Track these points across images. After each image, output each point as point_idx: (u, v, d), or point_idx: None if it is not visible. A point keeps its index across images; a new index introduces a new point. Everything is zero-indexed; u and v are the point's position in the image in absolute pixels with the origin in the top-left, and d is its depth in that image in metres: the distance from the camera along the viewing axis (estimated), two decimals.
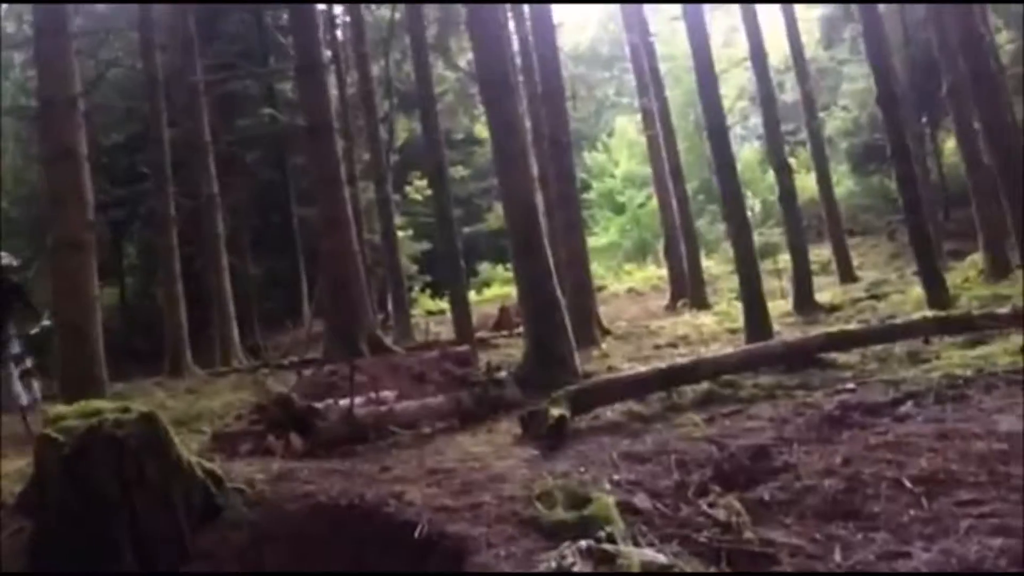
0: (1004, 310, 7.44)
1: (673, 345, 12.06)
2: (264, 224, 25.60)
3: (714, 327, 13.47)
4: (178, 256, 16.79)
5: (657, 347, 11.99)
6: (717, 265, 25.13)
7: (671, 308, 20.26)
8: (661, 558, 3.23)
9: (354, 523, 4.08)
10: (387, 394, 6.20)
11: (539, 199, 14.48)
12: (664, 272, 23.53)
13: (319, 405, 5.73)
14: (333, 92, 17.94)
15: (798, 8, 22.75)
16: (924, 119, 23.12)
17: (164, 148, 17.09)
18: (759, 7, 16.80)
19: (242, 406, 8.31)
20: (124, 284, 27.56)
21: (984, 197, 14.22)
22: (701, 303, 18.80)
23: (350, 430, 5.52)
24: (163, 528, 3.75)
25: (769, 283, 17.16)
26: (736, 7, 17.97)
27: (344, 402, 5.74)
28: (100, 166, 18.97)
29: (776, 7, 22.06)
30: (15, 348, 8.65)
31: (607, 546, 3.29)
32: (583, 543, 3.41)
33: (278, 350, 19.56)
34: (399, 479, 4.54)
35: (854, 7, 15.34)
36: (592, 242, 26.79)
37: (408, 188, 26.03)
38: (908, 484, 3.87)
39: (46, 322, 9.26)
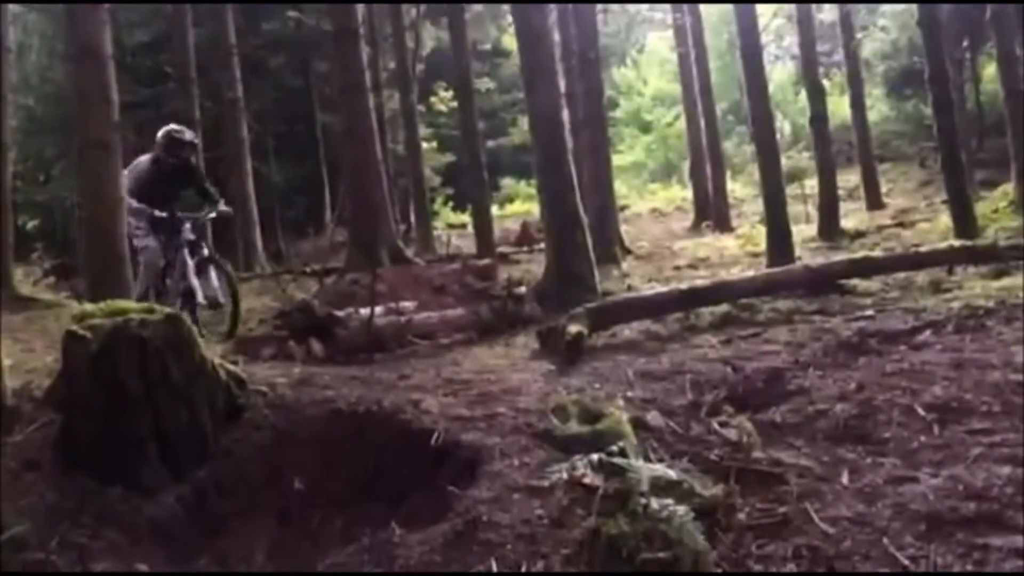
0: None
1: (693, 267, 12.05)
2: (288, 131, 25.40)
3: (736, 250, 13.42)
4: (203, 159, 16.80)
5: (677, 268, 11.99)
6: (743, 188, 24.83)
7: (694, 229, 20.15)
8: (671, 473, 3.30)
9: (371, 428, 4.17)
10: (407, 304, 6.27)
11: (565, 115, 14.33)
12: (688, 193, 23.31)
13: (340, 313, 5.81)
14: None
15: None
16: (965, 44, 22.37)
17: (188, 49, 16.92)
18: None
19: (265, 311, 8.45)
20: None
21: (1020, 126, 13.85)
22: (724, 225, 18.67)
23: (370, 338, 5.60)
24: (186, 426, 3.85)
25: (795, 208, 16.98)
26: None
27: (365, 311, 5.81)
28: (125, 66, 18.81)
29: None
30: (188, 234, 7.30)
31: (618, 460, 3.36)
32: (594, 456, 3.48)
33: (300, 257, 19.70)
34: (416, 388, 4.62)
35: None
36: (617, 161, 26.49)
37: (433, 99, 25.68)
38: (921, 411, 3.90)
39: (224, 208, 7.93)
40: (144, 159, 7.89)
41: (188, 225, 7.33)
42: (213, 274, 7.20)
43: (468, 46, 15.02)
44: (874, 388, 4.18)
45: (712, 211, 19.86)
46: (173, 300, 6.93)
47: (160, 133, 7.89)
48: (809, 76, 14.87)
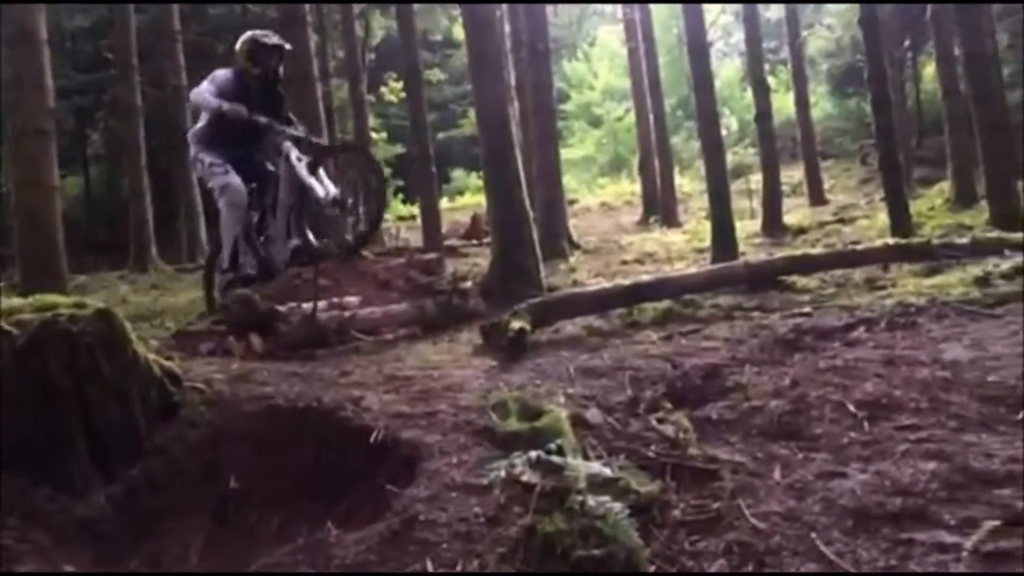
0: (963, 240, 7.54)
1: (640, 262, 12.18)
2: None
3: (682, 245, 13.59)
4: (144, 147, 16.47)
5: (624, 263, 12.10)
6: (690, 183, 25.15)
7: (642, 224, 20.36)
8: (607, 471, 3.33)
9: (310, 426, 4.14)
10: (351, 299, 6.22)
11: (515, 108, 14.34)
12: (638, 187, 23.52)
13: (282, 307, 5.74)
14: None
15: None
16: (907, 43, 22.90)
17: (130, 34, 16.53)
18: None
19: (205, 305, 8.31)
20: (88, 174, 26.99)
21: (957, 125, 14.27)
22: (672, 220, 18.89)
23: (312, 334, 5.55)
24: (118, 424, 3.77)
25: (740, 203, 17.28)
26: None
27: (307, 305, 5.75)
28: (64, 51, 18.34)
29: None
30: (296, 129, 6.28)
31: (555, 458, 3.38)
32: (533, 454, 3.50)
33: None
34: (358, 384, 4.59)
35: None
36: (567, 154, 26.62)
37: (383, 89, 25.49)
38: (852, 408, 3.99)
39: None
40: (222, 74, 6.56)
41: (288, 143, 5.97)
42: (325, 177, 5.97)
43: (417, 36, 14.90)
44: (808, 384, 4.26)
45: (660, 206, 20.06)
46: (277, 253, 5.89)
47: (241, 40, 6.66)
48: (754, 73, 15.10)
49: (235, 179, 6.08)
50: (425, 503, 3.36)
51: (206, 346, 5.50)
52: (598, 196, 27.51)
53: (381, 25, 24.39)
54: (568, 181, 22.05)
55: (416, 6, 18.00)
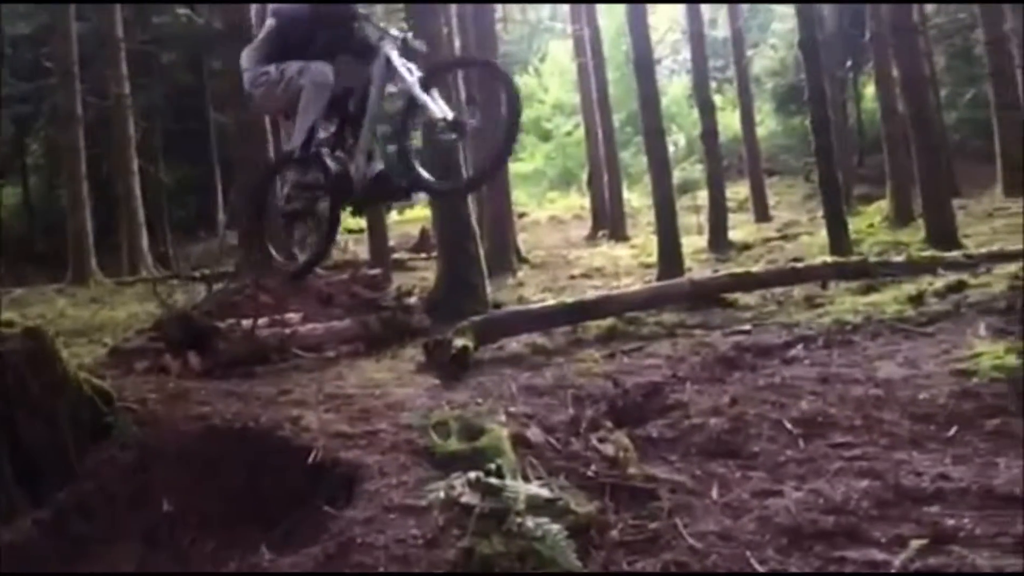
0: (899, 259, 7.74)
1: (588, 276, 12.25)
2: (180, 129, 24.62)
3: (630, 260, 13.70)
4: (84, 157, 16.11)
5: (572, 278, 12.16)
6: (639, 198, 25.36)
7: (591, 238, 20.47)
8: (545, 492, 3.33)
9: (248, 446, 4.07)
10: (292, 316, 6.14)
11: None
12: (587, 202, 23.67)
13: (221, 324, 5.64)
14: None
15: None
16: (849, 63, 23.47)
17: (71, 42, 16.18)
18: None
19: (148, 318, 8.14)
20: (27, 184, 26.31)
21: (895, 145, 14.64)
22: (620, 235, 19.04)
23: (251, 351, 5.46)
24: (46, 445, 3.68)
25: (688, 218, 17.48)
26: None
27: (247, 322, 5.66)
28: (4, 59, 17.93)
29: None
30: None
31: (494, 479, 3.37)
32: (472, 474, 3.49)
33: (189, 260, 19.09)
34: (297, 403, 4.53)
35: None
36: (517, 168, 26.69)
37: None
38: (788, 425, 4.05)
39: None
40: None
41: (389, 43, 4.75)
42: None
43: None
44: (747, 402, 4.31)
45: (609, 220, 20.22)
46: (356, 171, 4.78)
47: None
48: (700, 93, 15.34)
49: (316, 62, 4.92)
50: (362, 525, 3.32)
51: (142, 363, 5.37)
52: (547, 210, 27.61)
53: None
54: (518, 195, 22.11)
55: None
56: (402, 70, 4.65)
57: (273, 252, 5.31)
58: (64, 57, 16.17)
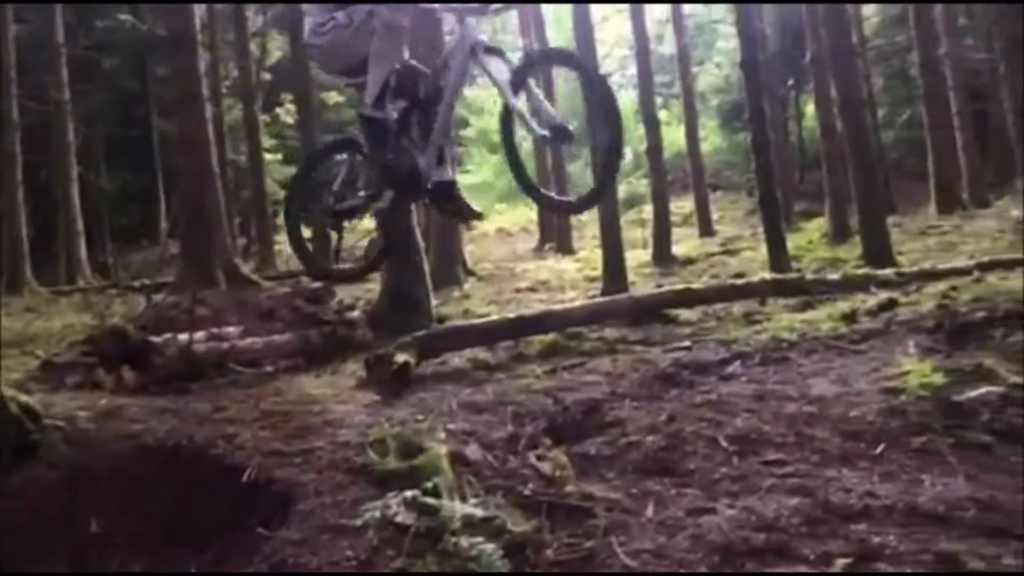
0: (835, 276, 7.92)
1: (534, 289, 12.28)
2: (123, 136, 24.15)
3: (575, 273, 13.78)
4: (21, 163, 15.70)
5: (518, 290, 12.18)
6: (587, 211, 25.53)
7: (538, 251, 20.55)
8: (480, 511, 3.33)
9: (180, 465, 4.00)
10: (230, 330, 6.04)
11: None
12: (535, 214, 23.76)
13: (156, 339, 5.53)
14: None
15: None
16: (790, 83, 23.99)
17: (8, 45, 15.78)
18: None
19: (83, 330, 7.94)
20: None
21: (833, 163, 14.99)
22: (567, 248, 19.16)
23: (187, 366, 5.36)
24: None
25: (634, 232, 17.65)
26: None
27: (183, 336, 5.56)
28: None
29: None
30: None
31: (429, 499, 3.37)
32: (408, 494, 3.47)
33: (129, 270, 18.71)
34: (232, 420, 4.45)
35: None
36: (465, 180, 26.67)
37: (279, 110, 25.04)
38: (723, 443, 4.11)
39: None
40: None
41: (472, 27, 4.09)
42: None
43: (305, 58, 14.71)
44: (683, 420, 4.36)
45: (555, 233, 20.33)
46: (426, 164, 4.13)
47: None
48: (646, 108, 15.52)
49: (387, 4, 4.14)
50: (296, 546, 3.28)
51: (73, 379, 5.24)
52: (495, 222, 27.65)
53: (279, 45, 24.01)
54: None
55: None
56: (491, 64, 3.98)
57: (306, 257, 4.63)
58: (1, 61, 15.76)
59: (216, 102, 17.07)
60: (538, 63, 4.45)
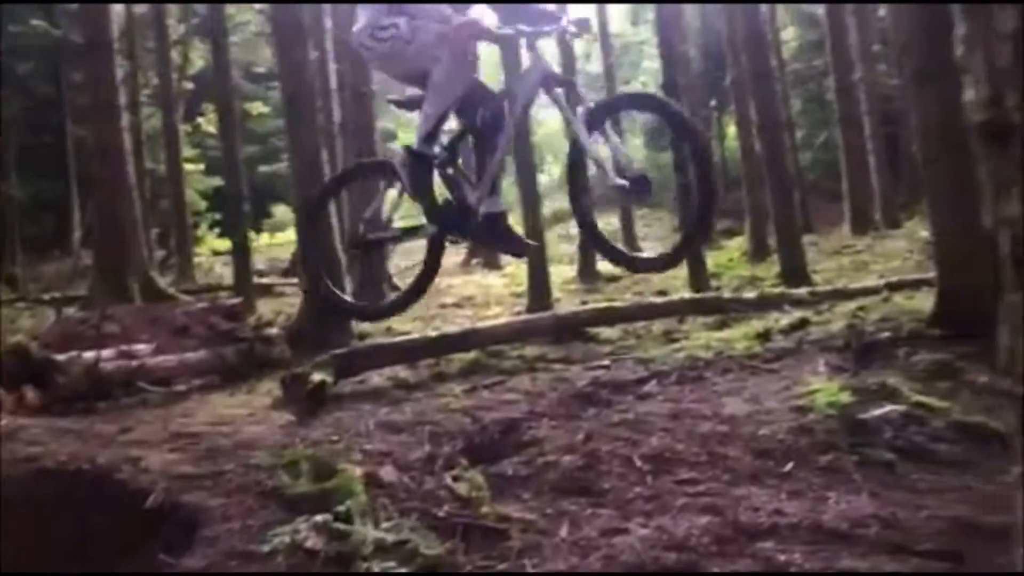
0: (751, 295, 8.10)
1: (459, 305, 12.24)
2: (36, 142, 23.30)
3: (501, 289, 13.79)
4: None
5: (443, 306, 12.11)
6: (516, 226, 25.61)
7: (466, 266, 20.51)
8: (392, 536, 3.29)
9: (82, 489, 3.85)
10: (141, 347, 5.85)
11: (340, 146, 14.16)
12: None
13: (61, 357, 5.32)
14: (118, 8, 16.49)
15: None
16: (713, 103, 24.56)
17: None
18: None
19: None
20: None
21: (753, 183, 15.36)
22: (493, 263, 19.17)
23: (93, 386, 5.17)
24: None
25: (560, 248, 17.81)
26: None
27: (90, 354, 5.37)
28: None
29: None
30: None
31: (340, 523, 3.31)
32: (319, 518, 3.41)
33: (40, 282, 18.02)
34: (139, 442, 4.31)
35: None
36: (394, 193, 26.42)
37: (201, 119, 24.52)
38: (638, 462, 4.14)
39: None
40: None
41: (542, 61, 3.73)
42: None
43: (230, 68, 14.43)
44: (600, 439, 4.39)
45: (481, 248, 20.35)
46: (478, 201, 3.74)
47: None
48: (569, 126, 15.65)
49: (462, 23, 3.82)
50: (200, 574, 3.19)
51: None
52: None
53: (201, 54, 23.53)
54: (397, 221, 21.91)
55: (239, 38, 17.52)
56: (565, 98, 3.59)
57: (325, 289, 4.25)
58: None
59: (134, 110, 16.61)
60: (624, 107, 4.19)
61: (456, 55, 3.69)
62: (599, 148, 3.50)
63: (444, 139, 3.91)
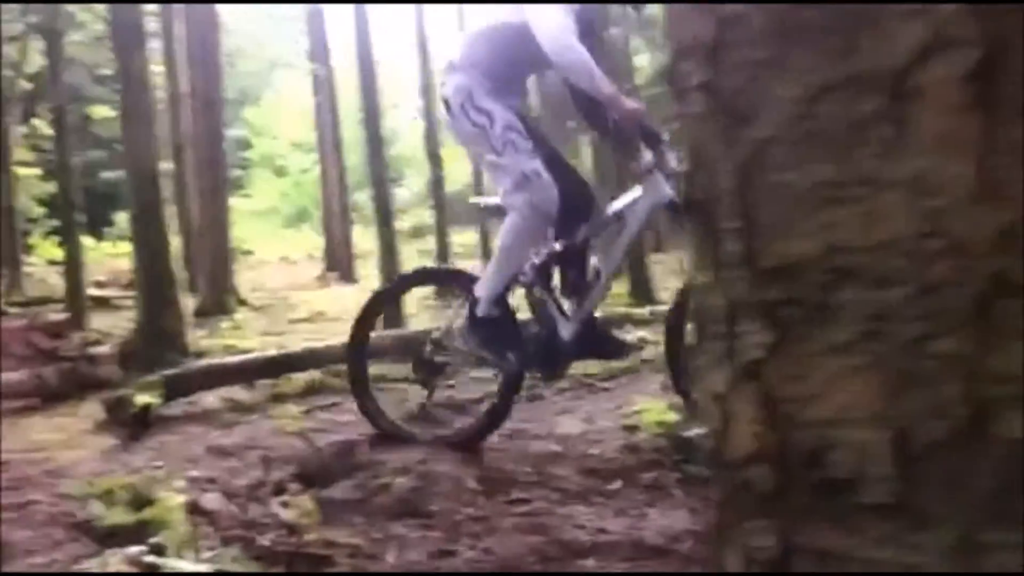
0: (598, 313, 8.31)
1: (310, 320, 12.04)
2: None
3: (354, 304, 13.60)
4: None
5: (292, 321, 11.88)
6: (371, 240, 25.41)
7: (320, 279, 20.18)
8: (208, 568, 3.18)
9: None
10: None
11: (189, 156, 13.68)
12: (322, 241, 23.37)
13: None
14: None
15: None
16: (573, 125, 25.14)
17: None
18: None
19: None
20: None
21: None
22: (348, 277, 18.95)
23: None
24: None
25: (419, 262, 17.69)
26: None
27: None
28: None
29: None
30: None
31: (152, 557, 3.17)
32: (131, 550, 3.26)
33: None
34: None
35: None
36: (247, 204, 25.80)
37: (37, 121, 23.05)
38: (471, 483, 4.18)
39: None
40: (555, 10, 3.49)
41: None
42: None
43: (62, 71, 13.64)
44: (434, 460, 4.39)
45: (339, 262, 20.10)
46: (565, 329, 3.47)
47: None
48: (429, 143, 15.70)
49: (542, 166, 3.49)
50: None
51: None
52: (279, 249, 26.85)
53: (41, 50, 22.16)
54: (247, 232, 21.33)
55: (81, 37, 16.61)
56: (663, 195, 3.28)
57: (376, 415, 4.16)
58: None
59: None
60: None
61: (538, 208, 3.40)
62: None
63: (535, 259, 3.58)
